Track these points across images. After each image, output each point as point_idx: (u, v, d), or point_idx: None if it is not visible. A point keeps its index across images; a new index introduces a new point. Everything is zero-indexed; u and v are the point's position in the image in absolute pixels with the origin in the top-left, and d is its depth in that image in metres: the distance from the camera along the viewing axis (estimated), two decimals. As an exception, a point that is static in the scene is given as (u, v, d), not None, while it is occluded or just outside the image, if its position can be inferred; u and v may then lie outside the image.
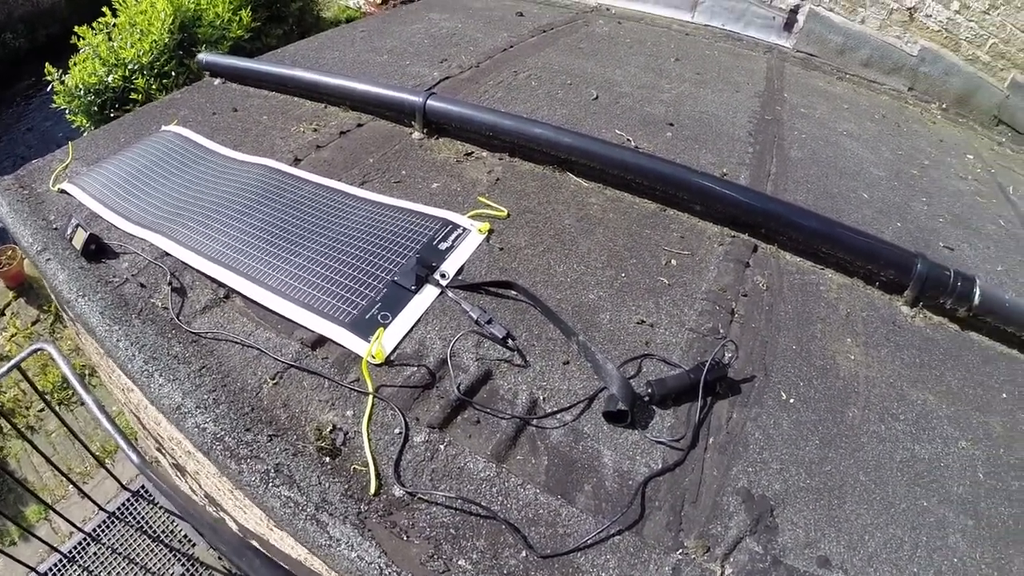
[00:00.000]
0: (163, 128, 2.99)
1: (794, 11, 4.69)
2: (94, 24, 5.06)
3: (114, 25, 5.12)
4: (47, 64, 4.91)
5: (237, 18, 5.58)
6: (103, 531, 3.76)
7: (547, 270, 2.16)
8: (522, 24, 4.47)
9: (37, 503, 4.09)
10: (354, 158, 2.72)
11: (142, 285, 2.12)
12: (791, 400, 1.83)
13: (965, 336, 2.17)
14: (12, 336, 5.60)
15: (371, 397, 1.74)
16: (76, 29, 4.99)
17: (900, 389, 1.92)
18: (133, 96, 4.82)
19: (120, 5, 5.14)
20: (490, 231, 2.30)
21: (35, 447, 3.39)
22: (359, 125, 2.98)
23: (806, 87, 4.11)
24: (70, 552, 3.63)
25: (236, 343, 1.91)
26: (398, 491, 1.55)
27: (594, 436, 1.69)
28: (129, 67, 4.86)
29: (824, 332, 2.07)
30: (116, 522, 3.80)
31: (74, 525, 3.63)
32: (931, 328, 2.17)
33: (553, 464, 1.62)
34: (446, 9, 4.66)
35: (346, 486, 1.56)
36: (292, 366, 1.83)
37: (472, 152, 2.77)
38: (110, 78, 4.82)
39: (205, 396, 1.76)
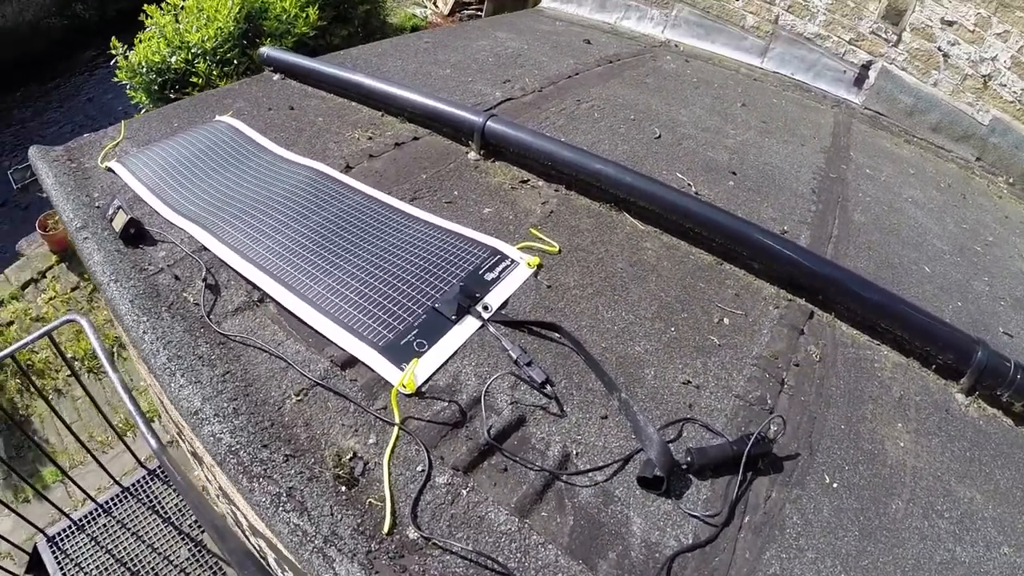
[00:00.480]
0: (217, 118, 2.96)
1: (866, 67, 4.56)
2: (163, 4, 5.11)
3: (182, 7, 5.17)
4: (113, 38, 4.94)
5: (304, 15, 5.60)
6: (115, 504, 3.70)
7: (594, 315, 2.06)
8: (588, 52, 4.41)
9: (54, 466, 4.09)
10: (407, 172, 2.65)
11: (176, 277, 2.07)
12: (834, 484, 1.70)
13: (1019, 432, 2.03)
14: (50, 299, 5.63)
15: (397, 428, 1.65)
16: (145, 7, 5.04)
17: (947, 484, 1.79)
18: (193, 80, 4.85)
19: (190, -12, 5.17)
20: (539, 266, 2.21)
21: (56, 413, 3.37)
22: (415, 138, 2.92)
23: (873, 147, 3.98)
24: (80, 520, 3.57)
25: (264, 351, 1.84)
26: (412, 533, 1.45)
27: (625, 500, 1.58)
28: (192, 51, 4.90)
29: (875, 414, 1.94)
30: (129, 497, 3.75)
31: (88, 495, 3.61)
32: (985, 420, 2.03)
33: (579, 525, 1.51)
34: (513, 29, 4.62)
35: (359, 520, 1.47)
36: (319, 384, 1.75)
37: (528, 180, 2.69)
38: (173, 59, 4.86)
39: (225, 404, 1.68)
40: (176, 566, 3.53)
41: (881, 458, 1.81)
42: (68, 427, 3.55)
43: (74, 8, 8.68)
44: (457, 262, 2.12)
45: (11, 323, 5.41)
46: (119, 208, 2.20)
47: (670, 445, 1.68)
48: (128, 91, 5.07)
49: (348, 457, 1.60)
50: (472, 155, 2.80)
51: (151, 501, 3.77)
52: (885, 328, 2.20)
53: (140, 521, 3.67)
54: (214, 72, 4.87)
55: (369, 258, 2.11)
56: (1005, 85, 4.08)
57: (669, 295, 2.19)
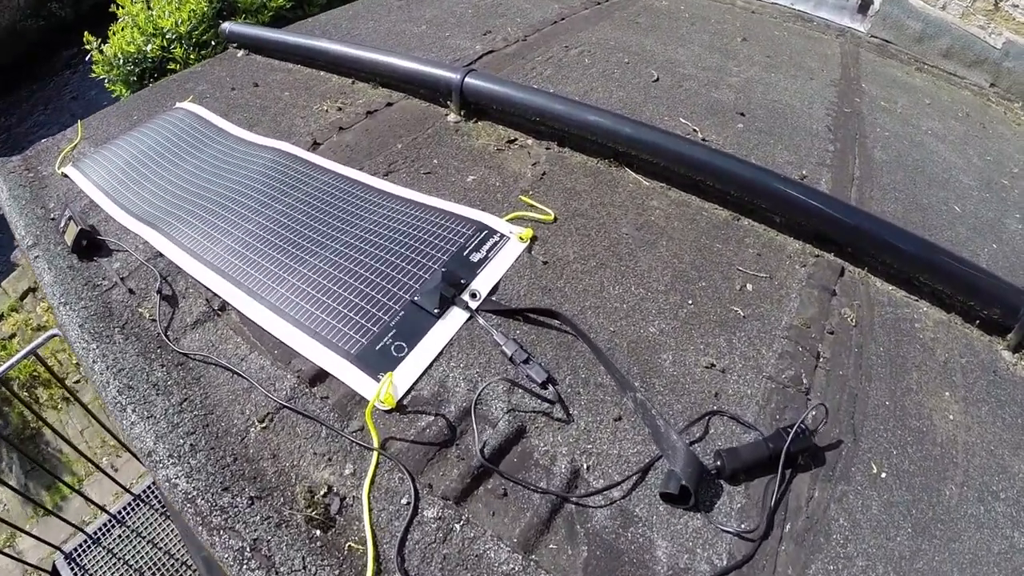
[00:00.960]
0: (177, 105, 2.61)
1: (870, -9, 4.13)
2: None
3: (153, -7, 4.79)
4: (86, 33, 4.60)
5: (278, -13, 5.17)
6: (128, 513, 3.54)
7: (599, 292, 1.72)
8: (575, -6, 3.97)
9: (71, 475, 3.94)
10: (380, 143, 2.30)
11: (131, 291, 1.76)
12: (883, 474, 1.39)
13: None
14: (49, 307, 5.36)
15: (375, 454, 1.35)
16: None
17: (1001, 458, 1.48)
18: (172, 67, 4.50)
19: (159, -26, 4.79)
20: (533, 238, 1.86)
21: (55, 430, 3.23)
22: (388, 104, 2.54)
23: (884, 77, 3.56)
24: (95, 533, 3.42)
25: (226, 369, 1.54)
26: (399, 581, 1.16)
27: (647, 520, 1.27)
28: (167, 36, 4.54)
29: (920, 384, 1.62)
30: (142, 505, 3.58)
31: (100, 507, 3.47)
32: None
33: (594, 556, 1.21)
34: (493, -24, 4.18)
35: (337, 571, 1.19)
36: (285, 406, 1.45)
37: (515, 139, 2.32)
38: (148, 47, 4.51)
39: (181, 441, 1.39)
40: (194, 570, 3.37)
41: (931, 436, 1.49)
42: (69, 442, 3.37)
43: (49, 7, 8.26)
44: (438, 243, 1.78)
45: (13, 336, 5.18)
46: (70, 219, 1.91)
47: (696, 448, 1.38)
48: (107, 85, 4.74)
49: (322, 493, 1.31)
50: (452, 117, 2.43)
51: (163, 507, 3.59)
52: (923, 281, 1.86)
53: (155, 528, 3.51)
54: (192, 56, 4.51)
55: (339, 248, 1.78)
56: (1017, 6, 3.64)
57: (683, 261, 1.84)
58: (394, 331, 1.54)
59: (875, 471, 1.40)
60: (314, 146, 2.28)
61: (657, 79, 2.84)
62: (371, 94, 2.62)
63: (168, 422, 1.43)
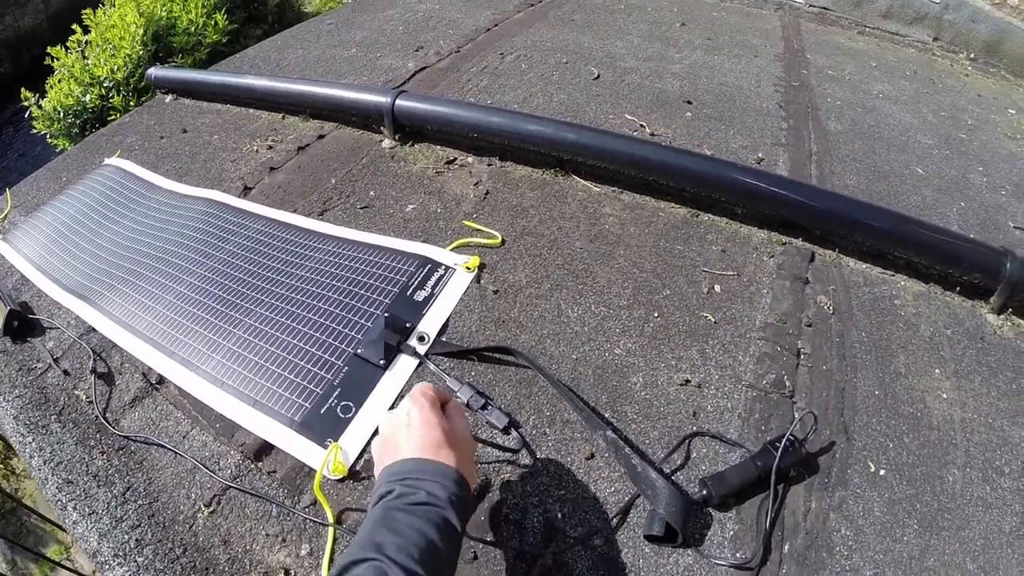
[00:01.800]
0: (105, 162, 2.44)
1: (802, -40, 4.04)
2: (68, 43, 4.53)
3: (87, 42, 4.58)
4: (23, 89, 4.40)
5: (212, 22, 4.98)
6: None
7: (557, 317, 1.58)
8: (506, -1, 3.83)
9: (57, 543, 3.76)
10: (313, 180, 2.14)
11: (66, 372, 1.59)
12: (881, 472, 1.27)
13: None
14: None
15: (332, 529, 1.20)
16: (50, 50, 4.46)
17: (1001, 430, 1.37)
18: (112, 116, 4.31)
19: (91, 21, 4.60)
20: (481, 266, 1.72)
21: (27, 508, 3.07)
22: (320, 136, 2.39)
23: (828, 45, 3.47)
24: None
25: (168, 450, 1.39)
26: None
27: (634, 566, 1.13)
28: (104, 85, 4.36)
29: (908, 365, 1.50)
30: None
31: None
32: (1021, 338, 1.61)
33: None
34: (422, -11, 4.03)
35: (299, 674, 1.04)
36: (231, 486, 1.30)
37: (455, 159, 2.18)
38: (87, 98, 4.32)
39: (126, 537, 1.23)
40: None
41: (926, 420, 1.38)
42: (45, 517, 3.18)
43: None
44: (380, 284, 1.63)
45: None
46: None
47: (679, 476, 1.25)
48: (49, 139, 4.55)
49: (279, 578, 1.16)
50: (387, 143, 2.28)
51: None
52: (898, 255, 1.75)
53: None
54: (132, 103, 4.34)
55: (274, 304, 1.62)
56: (952, -42, 3.59)
57: (644, 270, 1.71)
58: (339, 390, 1.39)
59: (873, 470, 1.27)
60: (245, 191, 2.12)
61: (598, 76, 2.71)
62: (302, 128, 2.46)
63: (111, 517, 1.27)
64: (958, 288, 1.71)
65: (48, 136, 4.52)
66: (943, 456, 1.31)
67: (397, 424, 1.02)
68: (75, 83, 4.35)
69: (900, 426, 1.36)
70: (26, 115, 4.59)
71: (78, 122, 4.39)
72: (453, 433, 1.00)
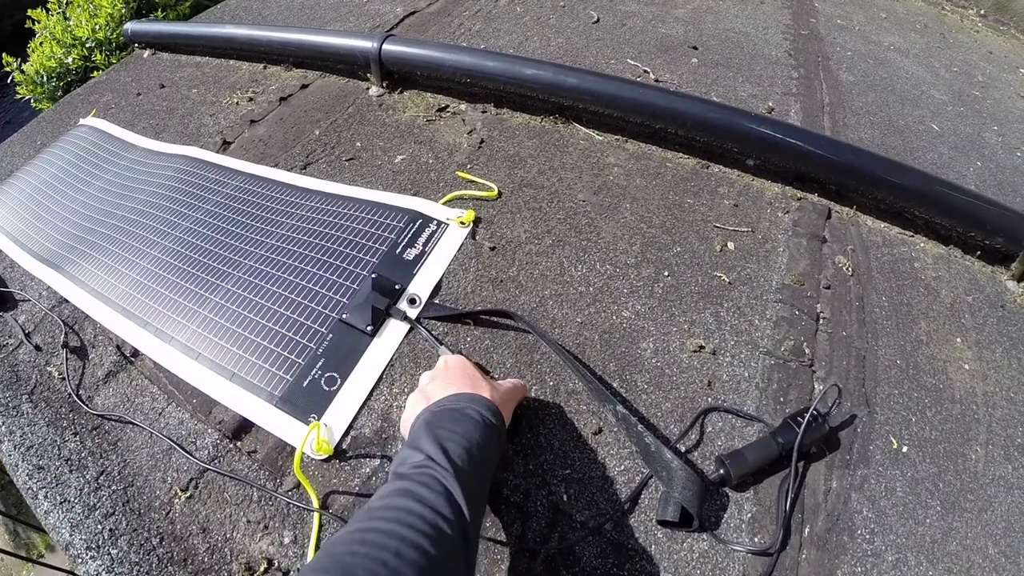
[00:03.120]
0: (80, 122, 2.27)
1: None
2: (48, 5, 4.30)
3: (68, 3, 4.35)
4: (3, 54, 4.19)
5: (194, -25, 4.74)
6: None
7: (560, 276, 1.43)
8: (501, -60, 3.58)
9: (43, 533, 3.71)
10: (296, 131, 1.96)
11: (37, 347, 1.46)
12: (904, 448, 1.15)
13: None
14: None
15: (317, 514, 1.08)
16: (31, 13, 4.22)
17: (1022, 405, 1.25)
18: (95, 75, 4.11)
19: (70, -18, 4.36)
20: (476, 221, 1.56)
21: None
22: (303, 86, 2.19)
23: (835, -9, 3.28)
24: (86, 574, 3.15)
25: (143, 429, 1.26)
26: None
27: (645, 553, 1.01)
28: (86, 45, 4.13)
29: (929, 333, 1.36)
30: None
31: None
32: None
33: None
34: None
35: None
36: (208, 468, 1.18)
37: (447, 106, 1.99)
38: (69, 59, 4.10)
39: (99, 527, 1.11)
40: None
41: (948, 393, 1.25)
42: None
43: None
44: (366, 243, 1.47)
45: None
46: None
47: (694, 454, 1.13)
48: (33, 104, 4.35)
49: (262, 569, 1.03)
50: (374, 90, 2.09)
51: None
52: (918, 215, 1.60)
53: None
54: (113, 60, 4.13)
55: (254, 267, 1.47)
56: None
57: (652, 225, 1.56)
58: (323, 360, 1.25)
59: (896, 446, 1.15)
60: (224, 146, 1.95)
61: (598, 20, 2.51)
62: (284, 78, 2.27)
63: (84, 505, 1.15)
64: (978, 252, 1.57)
65: (32, 100, 4.34)
66: (965, 432, 1.19)
67: (431, 376, 1.05)
68: (57, 45, 4.13)
69: (923, 399, 1.23)
70: (8, 80, 4.39)
71: (61, 84, 4.18)
72: (488, 379, 1.03)
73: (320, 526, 1.07)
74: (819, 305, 1.38)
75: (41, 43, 4.17)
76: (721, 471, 1.07)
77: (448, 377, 1.02)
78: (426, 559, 0.64)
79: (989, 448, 1.17)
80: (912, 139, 1.98)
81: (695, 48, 2.30)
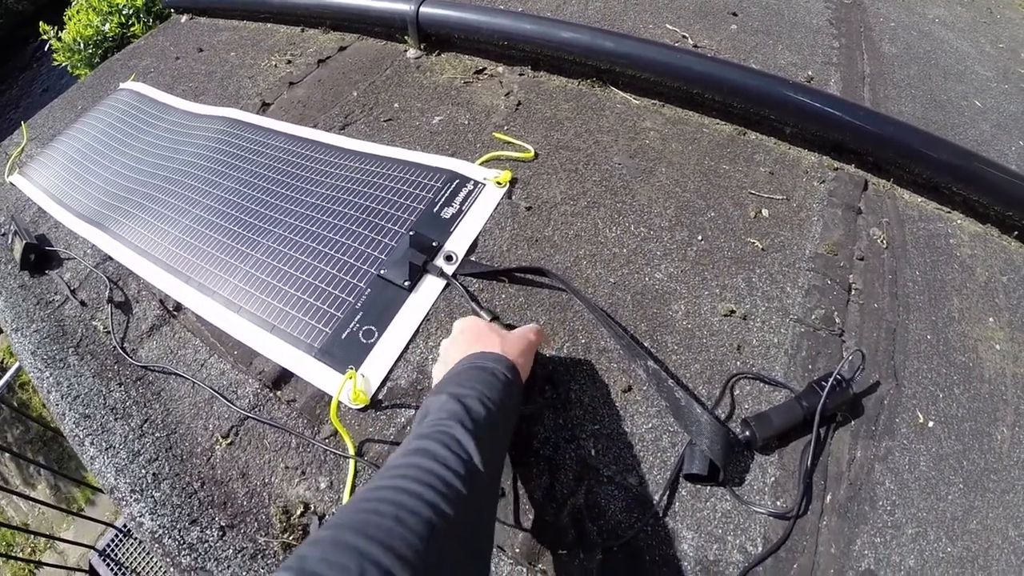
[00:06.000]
0: (120, 86, 2.31)
1: None
2: None
3: (104, -29, 4.40)
4: (41, 23, 4.25)
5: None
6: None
7: (594, 237, 1.44)
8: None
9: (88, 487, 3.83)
10: (335, 93, 1.98)
11: (83, 303, 1.52)
12: (930, 423, 1.14)
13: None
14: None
15: (353, 461, 1.13)
16: None
17: None
18: (133, 42, 4.17)
19: (107, -51, 4.39)
20: (512, 181, 1.57)
21: (62, 434, 3.06)
22: (341, 49, 2.21)
23: (879, -40, 3.19)
24: (124, 526, 3.29)
25: (186, 379, 1.31)
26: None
27: (670, 508, 1.04)
28: (124, 12, 4.18)
29: (962, 311, 1.34)
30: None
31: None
32: None
33: (611, 562, 0.99)
34: None
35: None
36: (248, 416, 1.23)
37: (484, 69, 1.99)
38: (107, 27, 4.14)
39: (143, 471, 1.17)
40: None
41: (977, 372, 1.24)
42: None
43: (5, 3, 7.75)
44: (405, 201, 1.50)
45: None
46: (15, 232, 1.67)
47: (720, 414, 1.15)
48: (71, 71, 4.42)
49: (298, 513, 1.08)
50: (411, 53, 2.10)
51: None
52: (957, 191, 1.56)
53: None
54: (153, 29, 4.19)
55: (294, 224, 1.50)
56: None
57: (687, 189, 1.56)
58: (361, 314, 1.29)
59: (921, 420, 1.15)
60: (263, 107, 1.98)
61: (636, -16, 2.49)
62: (322, 40, 2.29)
63: (128, 451, 1.21)
64: (1016, 232, 1.53)
65: (69, 67, 4.40)
66: (992, 412, 1.18)
67: (450, 342, 1.09)
68: (93, 13, 4.16)
69: (952, 375, 1.22)
70: (46, 48, 4.46)
71: (99, 51, 4.23)
72: (502, 333, 1.05)
73: (355, 472, 1.11)
74: (851, 276, 1.37)
75: (78, 11, 4.22)
76: (747, 432, 1.08)
77: (465, 340, 1.04)
78: (440, 517, 0.65)
79: (1016, 430, 1.16)
80: (954, 114, 1.94)
81: (735, 14, 2.26)
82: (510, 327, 1.22)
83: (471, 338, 1.04)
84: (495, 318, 1.24)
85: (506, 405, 0.89)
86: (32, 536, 4.09)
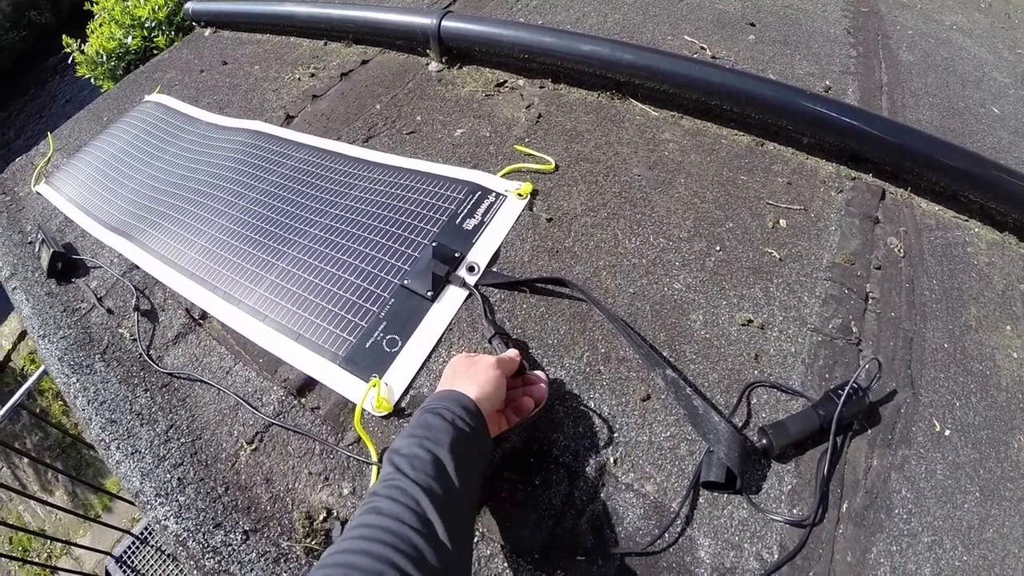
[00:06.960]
0: (145, 99, 2.38)
1: None
2: None
3: (126, -16, 4.48)
4: (64, 36, 4.34)
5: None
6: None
7: (614, 248, 1.46)
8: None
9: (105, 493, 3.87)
10: (357, 106, 2.03)
11: (109, 311, 1.58)
12: (946, 432, 1.15)
13: None
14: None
15: (375, 467, 1.15)
16: None
17: None
18: (156, 55, 4.24)
19: (129, -38, 4.47)
20: (533, 193, 1.60)
21: (83, 442, 3.10)
22: (364, 62, 2.26)
23: (896, -32, 3.19)
24: (141, 533, 3.34)
25: (211, 386, 1.35)
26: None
27: (687, 516, 1.06)
28: (146, 26, 4.26)
29: (979, 319, 1.35)
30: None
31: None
32: None
33: (626, 568, 1.01)
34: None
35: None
36: (273, 423, 1.26)
37: (505, 82, 2.02)
38: (129, 40, 4.23)
39: (168, 476, 1.20)
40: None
41: (995, 380, 1.24)
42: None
43: (28, 16, 7.93)
44: (428, 213, 1.54)
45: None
46: (42, 241, 1.73)
47: (737, 422, 1.17)
48: (94, 83, 4.51)
49: (321, 518, 1.12)
50: (433, 66, 2.14)
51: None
52: (974, 199, 1.57)
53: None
54: (176, 41, 4.27)
55: (318, 235, 1.55)
56: None
57: (705, 200, 1.58)
58: (385, 323, 1.32)
59: (938, 429, 1.16)
60: (287, 120, 2.03)
61: (654, -4, 2.52)
62: (344, 54, 2.34)
63: (154, 456, 1.25)
64: None
65: (92, 80, 4.48)
66: (1009, 421, 1.18)
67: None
68: (116, 26, 4.26)
69: (969, 384, 1.23)
70: (69, 61, 4.54)
71: (122, 64, 4.31)
72: (471, 372, 1.06)
73: (377, 479, 1.14)
74: (869, 285, 1.39)
75: (100, 24, 4.31)
76: (764, 441, 1.10)
77: (442, 381, 1.09)
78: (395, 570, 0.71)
79: (1030, 438, 1.16)
80: (972, 122, 1.94)
81: (752, 25, 2.29)
82: (517, 342, 1.26)
83: (448, 379, 1.08)
84: (499, 333, 1.25)
85: (462, 448, 0.92)
86: (48, 541, 4.15)
